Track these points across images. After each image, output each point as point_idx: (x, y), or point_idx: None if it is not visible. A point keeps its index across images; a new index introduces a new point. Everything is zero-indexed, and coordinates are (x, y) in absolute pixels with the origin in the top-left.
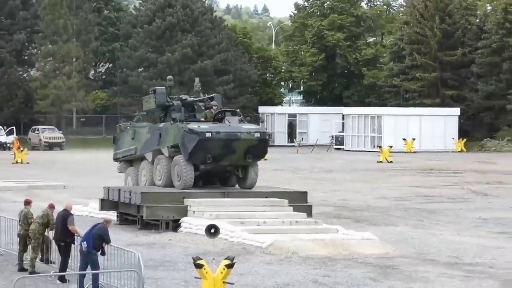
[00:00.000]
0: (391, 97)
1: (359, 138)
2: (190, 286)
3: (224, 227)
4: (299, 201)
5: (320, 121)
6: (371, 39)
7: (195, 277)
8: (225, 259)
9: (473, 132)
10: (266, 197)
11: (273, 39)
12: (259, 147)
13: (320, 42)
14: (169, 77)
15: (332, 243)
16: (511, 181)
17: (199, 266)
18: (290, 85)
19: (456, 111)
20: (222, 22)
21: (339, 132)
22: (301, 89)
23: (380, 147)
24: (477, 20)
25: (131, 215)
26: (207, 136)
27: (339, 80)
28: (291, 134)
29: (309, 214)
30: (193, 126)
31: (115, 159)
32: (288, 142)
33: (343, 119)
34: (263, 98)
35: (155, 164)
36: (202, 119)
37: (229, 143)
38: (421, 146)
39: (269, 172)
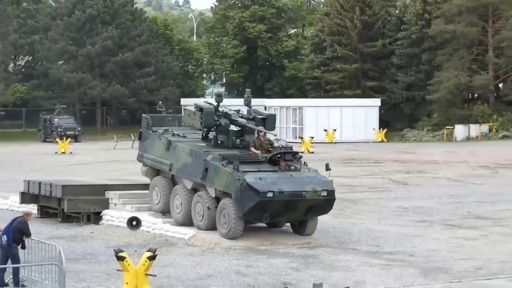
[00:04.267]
0: (312, 88)
1: (281, 129)
2: (112, 278)
3: (146, 219)
4: None
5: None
6: (292, 31)
7: (117, 270)
8: (147, 251)
9: (393, 122)
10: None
11: (195, 31)
12: (325, 206)
13: (241, 34)
14: (218, 92)
15: (254, 234)
16: (431, 171)
17: (121, 259)
18: (212, 77)
19: (377, 102)
20: (143, 14)
21: None
22: (223, 81)
23: (301, 138)
24: (397, 11)
25: (52, 208)
26: (268, 196)
27: (261, 72)
28: None
29: None
30: (252, 179)
31: (140, 161)
32: None
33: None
34: (185, 90)
35: (195, 201)
36: (252, 148)
37: (291, 203)
38: (342, 137)
39: None
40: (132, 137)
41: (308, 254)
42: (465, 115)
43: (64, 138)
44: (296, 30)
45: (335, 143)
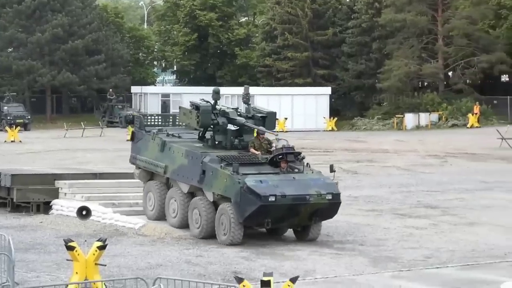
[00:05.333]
0: (263, 77)
1: None
2: (62, 268)
3: (96, 209)
4: None
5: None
6: (243, 19)
7: (67, 259)
8: (97, 240)
9: (344, 111)
10: None
11: (145, 18)
12: (330, 210)
13: (192, 21)
14: (216, 89)
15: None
16: (381, 159)
17: (70, 248)
18: (163, 64)
19: (327, 90)
20: (93, 2)
21: None
22: (174, 69)
23: None
24: (348, 0)
25: (1, 198)
26: (270, 200)
27: (212, 60)
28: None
29: None
30: (253, 182)
31: (133, 164)
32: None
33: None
34: (136, 78)
35: (192, 206)
36: (252, 149)
37: (294, 207)
38: (293, 125)
39: None
40: (83, 125)
41: (258, 244)
42: (415, 104)
43: (14, 127)
44: (247, 18)
45: (286, 131)
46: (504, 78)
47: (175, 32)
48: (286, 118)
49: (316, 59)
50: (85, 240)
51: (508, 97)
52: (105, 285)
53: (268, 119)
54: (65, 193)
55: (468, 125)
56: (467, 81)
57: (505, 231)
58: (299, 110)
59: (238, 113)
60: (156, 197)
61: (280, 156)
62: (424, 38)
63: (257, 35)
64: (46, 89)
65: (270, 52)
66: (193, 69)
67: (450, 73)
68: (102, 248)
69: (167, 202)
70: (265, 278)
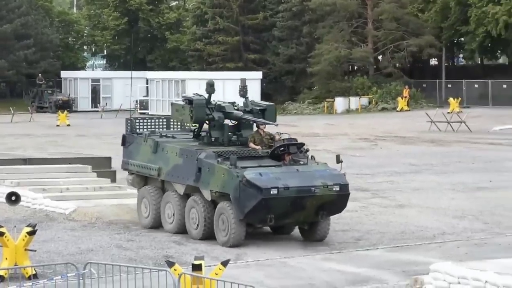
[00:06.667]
0: (194, 61)
1: (163, 102)
2: None
3: (26, 194)
4: (103, 166)
5: (124, 86)
6: (173, 3)
7: None
8: (27, 226)
9: (275, 95)
10: (69, 164)
11: (75, 3)
12: (338, 203)
13: (122, 6)
14: (210, 81)
15: (136, 208)
16: (312, 143)
17: (0, 234)
18: (93, 49)
19: (259, 74)
20: None
21: (144, 96)
22: (105, 53)
23: None
24: None
25: None
26: (272, 193)
27: (142, 44)
28: (95, 99)
29: (113, 180)
30: (252, 174)
31: (125, 169)
32: (92, 107)
33: (147, 83)
34: (65, 62)
35: (189, 206)
36: (251, 143)
37: (299, 200)
38: None
39: (72, 138)
40: (12, 110)
41: None
42: (345, 88)
43: None
44: (177, 2)
45: None
46: (433, 61)
47: (105, 16)
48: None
49: (247, 43)
50: (15, 226)
51: (437, 80)
52: (35, 270)
53: (267, 112)
54: None
55: (398, 109)
56: (397, 64)
57: (434, 213)
58: (231, 95)
59: (235, 107)
60: (151, 203)
61: (281, 149)
62: (354, 22)
63: (187, 19)
64: None
65: (201, 36)
66: (123, 54)
67: (380, 57)
68: (32, 233)
69: (163, 207)
70: (196, 262)
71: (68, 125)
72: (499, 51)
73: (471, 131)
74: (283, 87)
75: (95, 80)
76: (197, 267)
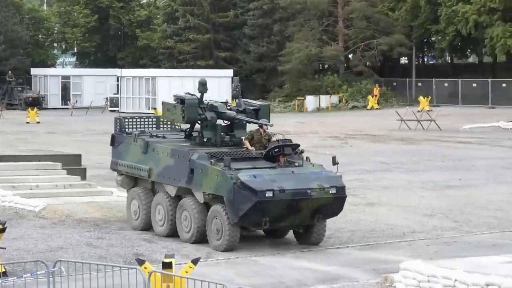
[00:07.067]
0: (165, 58)
1: (134, 100)
2: None
3: None
4: (73, 164)
5: (94, 83)
6: (144, 1)
7: None
8: None
9: (246, 93)
10: (39, 161)
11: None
12: (334, 206)
13: (93, 3)
14: (202, 80)
15: (106, 206)
16: None
17: None
18: (63, 46)
19: (229, 73)
20: None
21: (114, 94)
22: (75, 51)
23: (154, 108)
24: None
25: None
26: (267, 196)
27: (113, 41)
28: (65, 97)
29: (83, 177)
30: (247, 177)
31: (114, 170)
32: (62, 105)
33: (117, 81)
34: (35, 59)
35: (180, 209)
36: (247, 142)
37: (295, 203)
38: None
39: (42, 135)
40: None
41: None
42: (315, 86)
43: None
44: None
45: None
46: (403, 60)
47: (75, 13)
48: None
49: (218, 41)
50: None
51: (407, 79)
52: (5, 268)
53: (261, 112)
54: None
55: (368, 107)
56: (367, 63)
57: (404, 211)
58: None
59: (228, 107)
60: (141, 204)
61: (276, 150)
62: (325, 20)
63: (158, 16)
64: None
65: (172, 34)
66: (93, 51)
67: (350, 56)
68: (1, 231)
69: (153, 209)
70: (167, 260)
71: (38, 122)
72: (469, 50)
73: (441, 130)
74: (254, 86)
75: (65, 78)
76: (167, 265)
